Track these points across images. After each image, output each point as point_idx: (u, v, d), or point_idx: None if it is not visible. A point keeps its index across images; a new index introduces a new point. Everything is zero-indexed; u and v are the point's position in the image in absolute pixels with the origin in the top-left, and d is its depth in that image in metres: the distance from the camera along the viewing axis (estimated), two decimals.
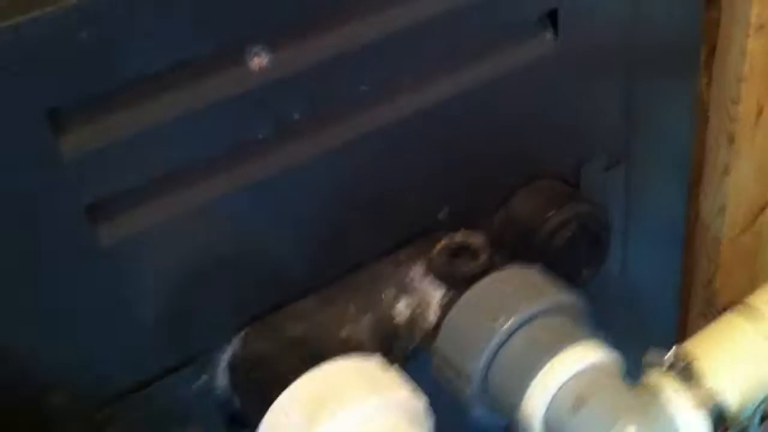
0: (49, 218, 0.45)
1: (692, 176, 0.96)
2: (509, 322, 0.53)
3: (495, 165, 0.62)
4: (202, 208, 0.50)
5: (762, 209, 1.00)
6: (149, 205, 0.49)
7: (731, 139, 0.91)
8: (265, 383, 0.54)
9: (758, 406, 0.47)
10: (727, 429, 0.49)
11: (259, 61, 0.48)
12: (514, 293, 0.54)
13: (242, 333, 0.56)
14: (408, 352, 0.58)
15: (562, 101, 0.63)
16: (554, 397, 0.50)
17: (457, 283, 0.57)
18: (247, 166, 0.51)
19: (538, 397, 0.50)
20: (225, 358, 0.56)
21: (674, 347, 0.49)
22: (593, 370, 0.50)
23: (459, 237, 0.59)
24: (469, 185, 0.62)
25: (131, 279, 0.50)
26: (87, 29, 0.41)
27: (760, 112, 0.92)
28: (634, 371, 0.53)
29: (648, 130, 0.70)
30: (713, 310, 0.96)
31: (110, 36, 0.42)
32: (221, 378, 0.56)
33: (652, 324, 0.83)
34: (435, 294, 0.58)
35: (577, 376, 0.50)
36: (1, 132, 0.42)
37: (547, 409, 0.50)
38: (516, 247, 0.62)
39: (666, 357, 0.49)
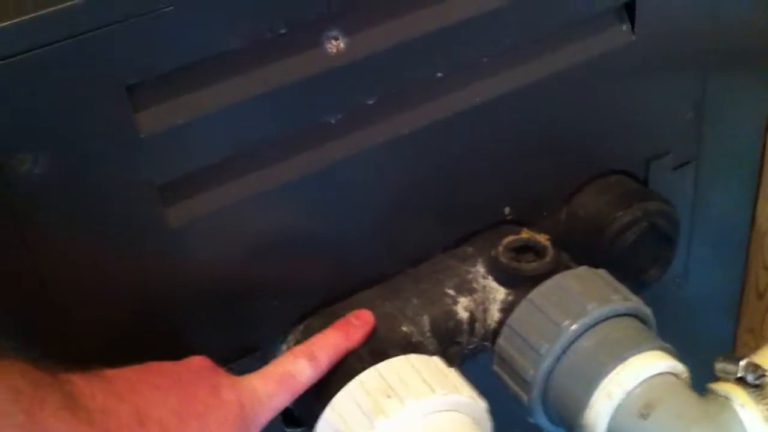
0: (121, 195, 0.45)
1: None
2: (575, 325, 0.52)
3: (562, 159, 0.61)
4: (269, 192, 0.50)
5: None
6: (218, 187, 0.48)
7: None
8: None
9: None
10: None
11: (335, 44, 0.48)
12: (581, 295, 0.53)
13: (304, 323, 0.55)
14: (467, 351, 0.57)
15: (635, 96, 0.62)
16: (620, 404, 0.49)
17: (520, 283, 0.56)
18: (318, 150, 0.50)
19: (603, 403, 0.49)
20: (285, 348, 0.55)
21: (746, 359, 0.48)
22: (661, 377, 0.49)
23: (524, 235, 0.58)
24: (536, 179, 0.60)
25: (197, 261, 0.50)
26: (167, 7, 0.41)
27: None
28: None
29: (719, 130, 0.68)
30: (765, 325, 0.94)
31: (190, 14, 0.42)
32: None
33: (707, 332, 0.81)
34: (498, 293, 0.57)
35: (644, 384, 0.49)
36: (81, 107, 0.41)
37: (612, 417, 0.49)
38: (582, 245, 0.61)
39: (737, 368, 0.47)
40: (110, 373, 0.43)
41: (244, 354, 0.53)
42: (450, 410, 0.49)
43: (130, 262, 0.48)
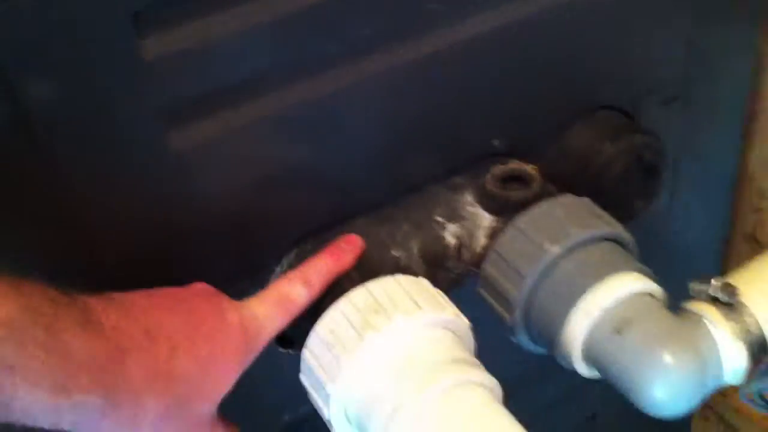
0: (126, 118, 0.47)
1: (742, 128, 0.96)
2: (557, 248, 0.54)
3: (553, 94, 0.63)
4: (268, 119, 0.52)
5: None
6: (219, 113, 0.50)
7: None
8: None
9: None
10: None
11: None
12: (564, 221, 0.55)
13: (297, 248, 0.57)
14: (456, 275, 0.60)
15: (624, 34, 0.63)
16: (597, 321, 0.51)
17: (507, 210, 0.58)
18: (315, 80, 0.52)
19: (581, 321, 0.52)
20: (279, 271, 0.58)
21: (718, 278, 0.50)
22: (637, 297, 0.52)
23: (511, 164, 0.60)
24: (526, 113, 0.62)
25: (198, 187, 0.52)
26: None
27: None
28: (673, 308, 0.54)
29: (707, 70, 0.70)
30: None
31: None
32: None
33: (695, 274, 0.83)
34: (484, 219, 0.59)
35: (620, 302, 0.51)
36: (87, 32, 0.43)
37: (589, 334, 0.51)
38: (570, 177, 0.62)
39: (710, 287, 0.50)
40: (121, 295, 0.46)
41: (241, 278, 0.56)
42: (435, 326, 0.51)
43: (136, 185, 0.50)
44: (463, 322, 0.53)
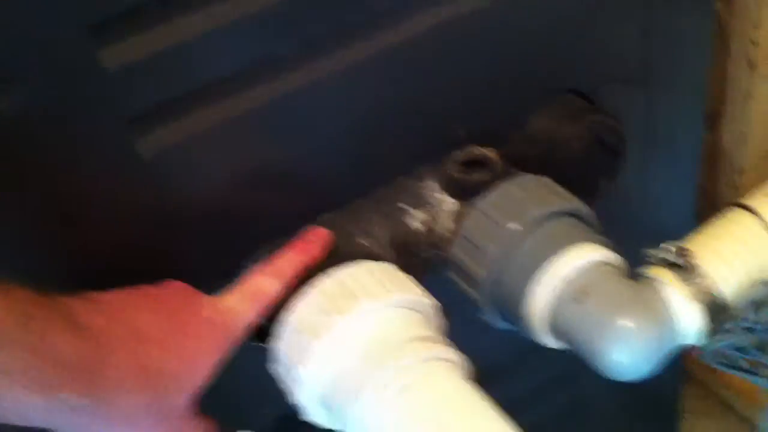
0: (91, 127, 0.49)
1: (715, 104, 0.97)
2: (516, 226, 0.55)
3: (513, 81, 0.64)
4: (233, 121, 0.53)
5: None
6: (184, 118, 0.52)
7: (753, 65, 0.92)
8: None
9: (750, 294, 0.49)
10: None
11: None
12: (524, 200, 0.57)
13: (269, 244, 0.59)
14: (425, 260, 0.61)
15: (582, 18, 0.65)
16: (558, 292, 0.53)
17: (470, 193, 0.60)
18: (276, 81, 0.54)
19: (543, 292, 0.53)
20: (250, 266, 0.59)
21: (673, 243, 0.51)
22: (596, 266, 0.53)
23: (472, 149, 0.62)
24: (488, 101, 0.63)
25: (169, 188, 0.53)
26: None
27: None
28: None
29: (666, 48, 0.71)
30: None
31: None
32: None
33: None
34: (449, 204, 0.61)
35: (579, 272, 0.53)
36: (46, 44, 0.45)
37: (551, 305, 0.53)
38: (534, 161, 0.64)
39: (665, 252, 0.51)
40: (100, 296, 0.48)
41: (213, 276, 0.57)
42: (402, 307, 0.53)
43: (106, 192, 0.51)
44: (431, 303, 0.54)
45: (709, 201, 0.99)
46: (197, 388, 0.50)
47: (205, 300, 0.52)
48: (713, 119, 0.98)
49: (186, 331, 0.50)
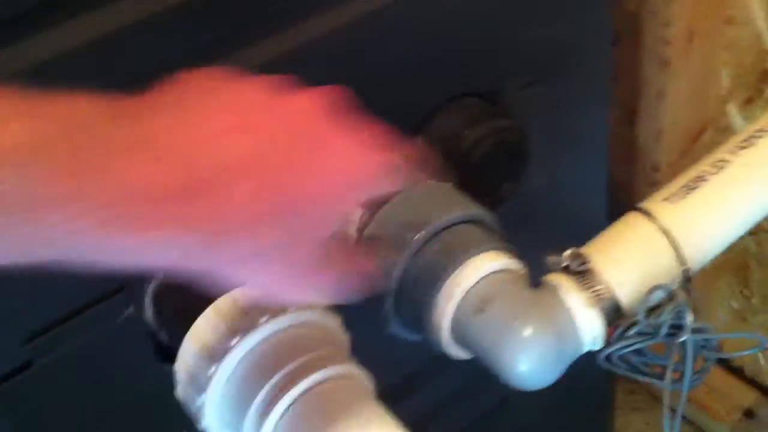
0: None
1: (631, 102, 0.98)
2: (418, 235, 0.55)
3: (413, 85, 0.64)
4: None
5: (700, 133, 1.02)
6: None
7: (665, 63, 0.93)
8: (189, 308, 0.55)
9: (645, 298, 0.49)
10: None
11: None
12: (424, 208, 0.56)
13: None
14: None
15: (480, 21, 0.64)
16: (460, 303, 0.52)
17: (374, 202, 0.59)
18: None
19: (445, 304, 0.52)
20: (151, 288, 0.58)
21: (571, 249, 0.51)
22: (497, 275, 0.52)
23: None
24: (390, 107, 0.63)
25: None
26: None
27: (691, 35, 0.94)
28: None
29: (565, 47, 0.71)
30: None
31: None
32: (148, 308, 0.58)
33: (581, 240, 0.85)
34: (355, 213, 0.59)
35: (481, 282, 0.52)
36: None
37: (454, 316, 0.52)
38: (439, 165, 0.63)
39: (563, 258, 0.51)
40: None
41: (108, 296, 0.55)
42: (302, 326, 0.52)
43: None
44: (332, 320, 0.53)
45: (629, 199, 1.00)
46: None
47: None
48: (630, 117, 0.99)
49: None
